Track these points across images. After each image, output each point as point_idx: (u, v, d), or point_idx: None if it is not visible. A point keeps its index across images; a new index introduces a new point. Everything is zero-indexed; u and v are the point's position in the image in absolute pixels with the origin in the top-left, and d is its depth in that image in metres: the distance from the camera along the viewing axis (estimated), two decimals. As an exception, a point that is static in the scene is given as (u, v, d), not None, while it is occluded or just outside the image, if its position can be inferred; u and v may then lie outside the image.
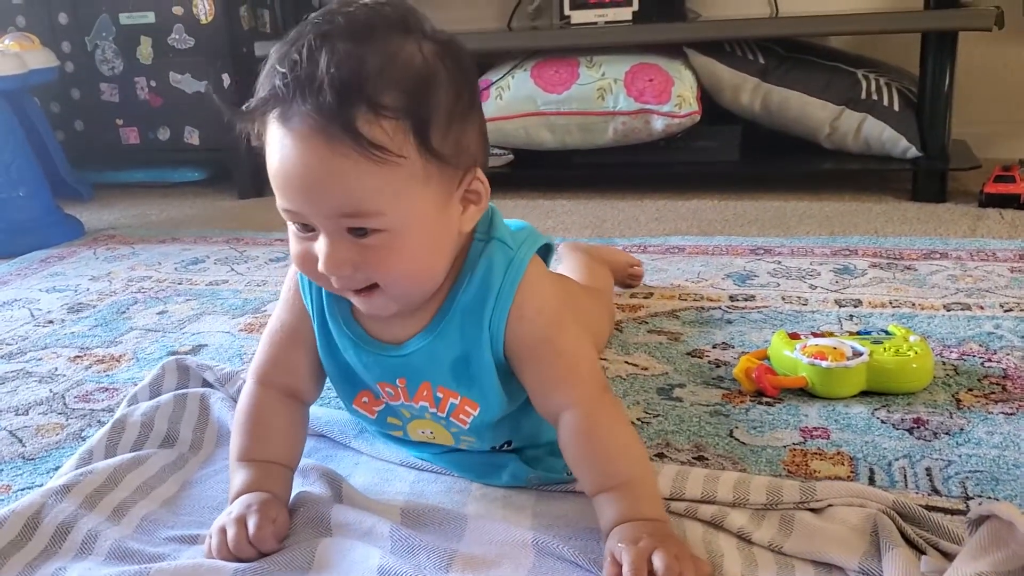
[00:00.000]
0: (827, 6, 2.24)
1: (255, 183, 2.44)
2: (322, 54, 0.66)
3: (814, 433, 0.96)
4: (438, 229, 0.74)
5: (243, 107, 0.72)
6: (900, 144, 1.96)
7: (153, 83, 2.44)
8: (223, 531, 0.78)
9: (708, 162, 2.15)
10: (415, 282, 0.75)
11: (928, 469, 0.88)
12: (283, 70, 0.67)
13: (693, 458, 0.92)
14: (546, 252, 0.89)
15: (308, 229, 0.72)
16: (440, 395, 0.82)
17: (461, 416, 0.83)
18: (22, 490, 0.94)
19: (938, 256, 1.53)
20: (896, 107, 1.98)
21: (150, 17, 2.38)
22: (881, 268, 1.49)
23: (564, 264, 1.31)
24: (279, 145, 0.69)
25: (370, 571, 0.74)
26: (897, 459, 0.90)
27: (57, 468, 0.96)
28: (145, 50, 2.42)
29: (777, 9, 2.33)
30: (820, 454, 0.92)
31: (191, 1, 2.34)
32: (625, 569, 0.69)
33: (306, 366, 0.87)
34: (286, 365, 0.87)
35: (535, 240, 0.82)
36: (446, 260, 0.77)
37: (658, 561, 0.69)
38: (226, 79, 2.37)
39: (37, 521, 0.82)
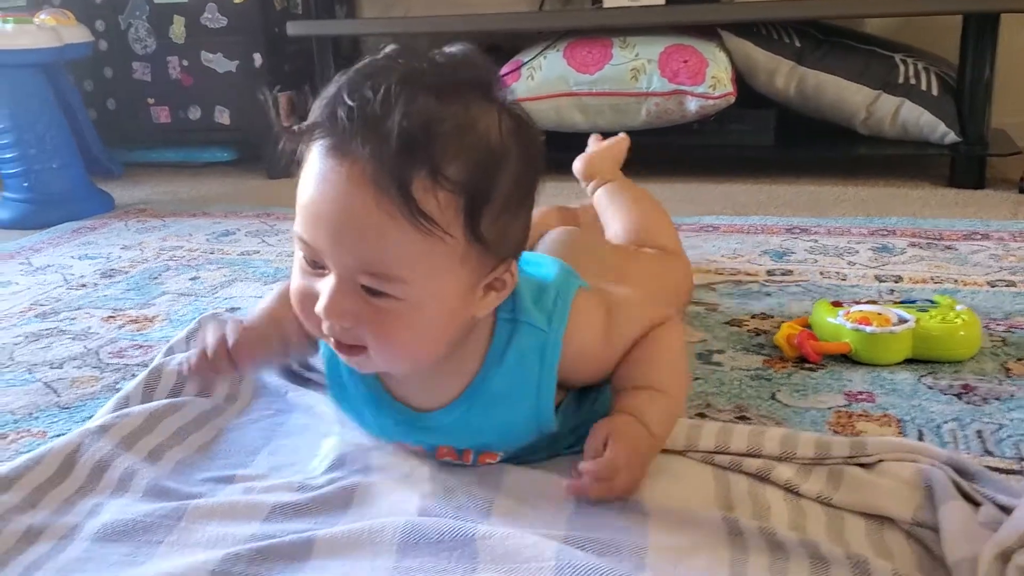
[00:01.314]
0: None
1: (285, 164, 2.42)
2: (398, 101, 0.61)
3: (859, 397, 0.94)
4: (452, 311, 0.68)
5: (295, 127, 0.67)
6: (938, 129, 1.93)
7: (185, 62, 2.44)
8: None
9: (741, 146, 2.13)
10: (408, 356, 0.70)
11: (979, 432, 0.86)
12: (351, 103, 0.62)
13: (735, 418, 0.91)
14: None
15: (318, 267, 0.67)
16: (461, 450, 0.80)
17: (487, 461, 0.81)
18: (58, 435, 0.93)
19: (979, 237, 1.51)
20: (934, 91, 1.95)
21: (184, -4, 2.39)
22: (920, 247, 1.46)
23: (615, 209, 1.24)
24: (321, 177, 0.64)
25: (409, 513, 0.72)
26: (946, 422, 0.88)
27: (91, 417, 0.95)
28: (178, 29, 2.42)
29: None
30: (866, 416, 0.90)
31: (225, -20, 2.34)
32: (599, 462, 0.72)
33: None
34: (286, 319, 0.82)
35: (566, 300, 0.76)
36: (447, 342, 0.71)
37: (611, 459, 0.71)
38: (257, 59, 2.37)
39: (74, 459, 0.81)
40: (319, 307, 0.66)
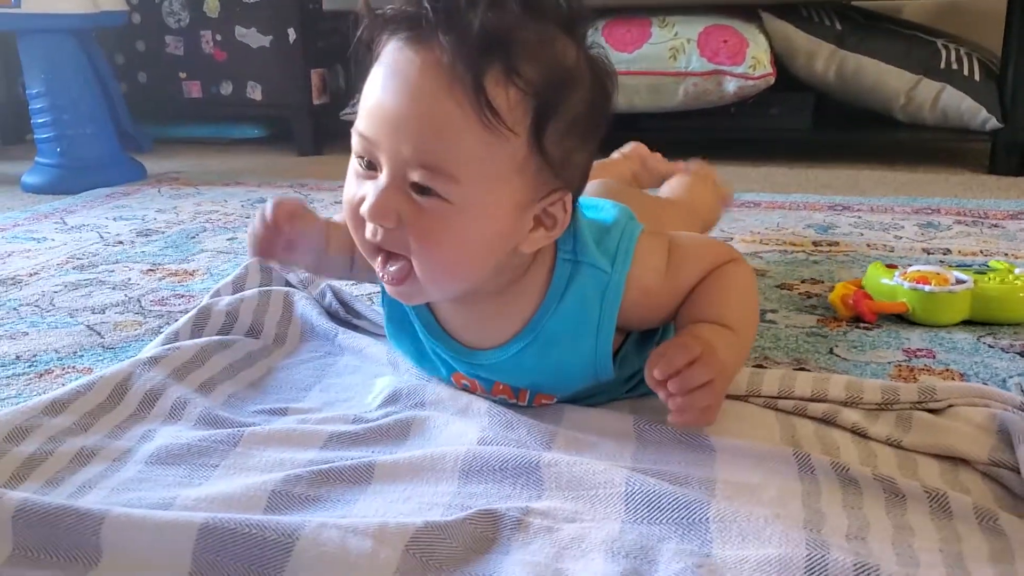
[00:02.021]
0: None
1: (316, 141, 2.43)
2: (485, 2, 0.61)
3: (918, 353, 0.92)
4: (498, 229, 0.66)
5: (378, 12, 0.65)
6: (980, 115, 1.91)
7: (218, 37, 2.43)
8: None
9: (778, 129, 2.11)
10: (449, 275, 0.67)
11: (1047, 385, 0.84)
12: None
13: (794, 369, 0.89)
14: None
15: (371, 168, 0.65)
16: (518, 388, 0.79)
17: (543, 402, 0.80)
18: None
19: (1026, 217, 1.49)
20: (977, 77, 1.93)
21: (219, -31, 2.39)
22: (966, 225, 1.44)
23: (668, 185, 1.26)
24: (393, 67, 0.63)
25: (469, 443, 0.71)
26: (1011, 376, 0.86)
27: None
28: (212, 3, 2.41)
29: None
30: (928, 371, 0.88)
31: (261, -46, 2.33)
32: (681, 350, 0.68)
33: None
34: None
35: (630, 242, 0.74)
36: (488, 267, 0.68)
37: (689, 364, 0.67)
38: (291, 34, 2.36)
39: (126, 387, 0.80)
40: (364, 207, 0.64)
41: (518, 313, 0.74)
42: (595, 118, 0.67)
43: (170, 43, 2.49)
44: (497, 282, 0.72)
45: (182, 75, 2.50)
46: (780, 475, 0.67)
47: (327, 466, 0.68)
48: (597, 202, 0.83)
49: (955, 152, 2.10)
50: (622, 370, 0.78)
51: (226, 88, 2.47)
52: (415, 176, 0.62)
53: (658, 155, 1.32)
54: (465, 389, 0.80)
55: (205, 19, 2.44)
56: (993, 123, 1.90)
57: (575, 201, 0.71)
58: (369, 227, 0.66)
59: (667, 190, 1.25)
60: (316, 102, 2.42)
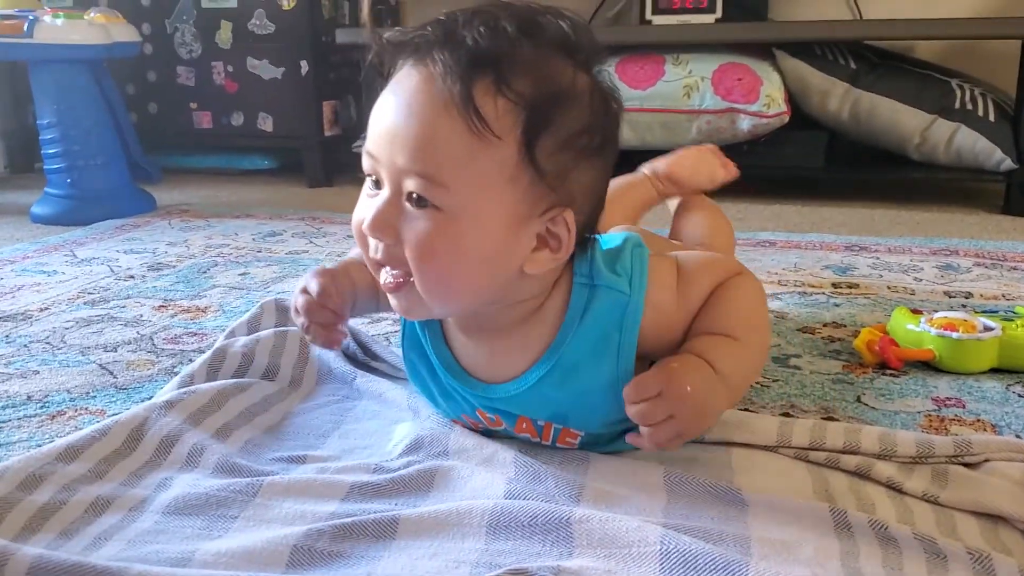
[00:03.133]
0: (920, 14, 2.20)
1: (326, 172, 2.42)
2: (482, 23, 0.64)
3: (947, 403, 0.91)
4: (494, 241, 0.65)
5: (388, 40, 0.67)
6: (995, 155, 1.90)
7: (230, 68, 2.44)
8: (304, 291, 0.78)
9: (792, 167, 2.11)
10: (445, 287, 0.66)
11: (1082, 439, 0.82)
12: (440, 18, 0.66)
13: (822, 419, 0.87)
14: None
15: (377, 187, 0.67)
16: (541, 425, 0.77)
17: (568, 440, 0.78)
18: (116, 414, 0.90)
19: (1045, 260, 1.47)
20: (991, 117, 1.92)
21: (232, 1, 2.39)
22: (986, 267, 1.43)
23: (689, 215, 1.25)
24: (395, 87, 0.66)
25: (495, 496, 0.69)
26: (1045, 429, 0.84)
27: (151, 398, 0.93)
28: (225, 34, 2.42)
29: (860, 13, 2.30)
30: (959, 421, 0.86)
31: (274, -13, 2.34)
32: (644, 411, 0.68)
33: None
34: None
35: (643, 263, 0.74)
36: (491, 285, 0.68)
37: (668, 429, 0.68)
38: (304, 66, 2.36)
39: (141, 433, 0.79)
40: (365, 223, 0.66)
41: (536, 341, 0.73)
42: (597, 140, 0.67)
43: (181, 74, 2.49)
44: (512, 313, 0.72)
45: (193, 106, 2.50)
46: (816, 532, 0.65)
47: (349, 520, 0.66)
48: (615, 236, 0.81)
49: (969, 192, 2.09)
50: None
51: (237, 119, 2.47)
52: (410, 185, 0.64)
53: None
54: (491, 424, 0.79)
55: (217, 50, 2.44)
56: (1008, 164, 1.90)
57: (591, 228, 0.71)
58: (371, 243, 0.68)
59: (687, 230, 1.22)
60: (327, 134, 2.42)
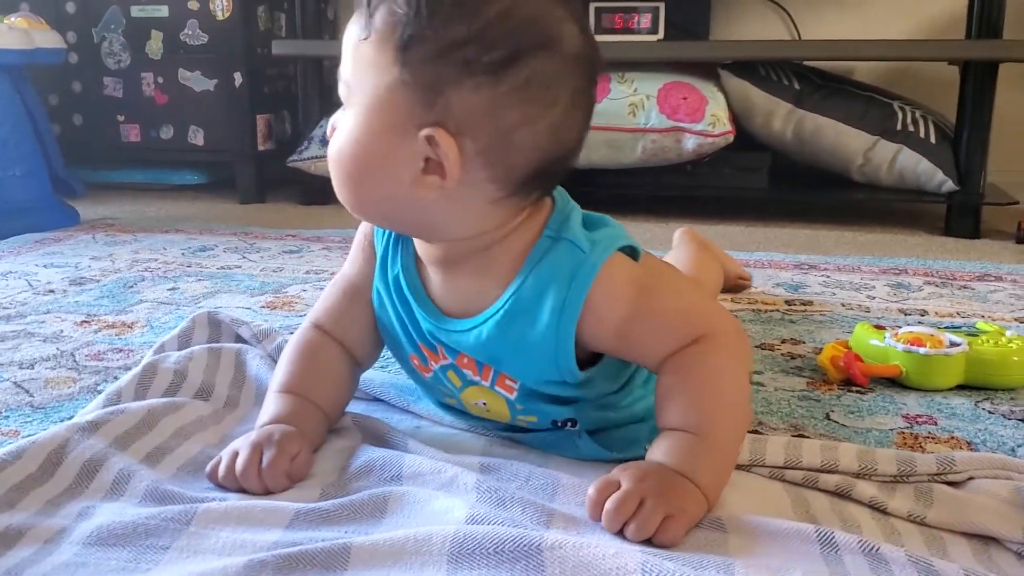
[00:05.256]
0: (858, 35, 2.22)
1: (259, 188, 2.34)
2: None
3: (919, 420, 0.88)
4: (372, 149, 0.66)
5: None
6: (936, 177, 1.91)
7: (160, 79, 2.34)
8: (235, 456, 0.71)
9: (735, 187, 2.09)
10: (340, 184, 0.69)
11: (1059, 456, 0.79)
12: None
13: (793, 436, 0.83)
14: (632, 254, 0.74)
15: None
16: (481, 363, 0.74)
17: (507, 383, 0.75)
18: (33, 435, 0.82)
19: (992, 279, 1.47)
20: (933, 139, 1.93)
21: (163, 11, 2.30)
22: (936, 286, 1.42)
23: (675, 251, 1.26)
24: None
25: (456, 522, 0.63)
26: (1020, 446, 0.81)
27: (72, 417, 0.85)
28: (155, 45, 2.33)
29: (799, 34, 2.32)
30: (933, 438, 0.83)
31: (209, -4, 2.26)
32: (611, 498, 0.63)
33: (363, 324, 0.80)
34: (343, 319, 0.81)
35: (614, 242, 0.71)
36: (379, 195, 0.67)
37: (643, 510, 0.62)
38: (238, 79, 2.28)
39: (60, 456, 0.71)
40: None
41: (494, 283, 0.71)
42: (490, 54, 0.61)
43: (109, 84, 2.39)
44: (461, 248, 0.70)
45: (120, 118, 2.40)
46: (802, 555, 0.60)
47: (295, 549, 0.59)
48: (607, 219, 0.76)
49: (912, 213, 2.10)
50: (602, 380, 0.74)
51: (167, 132, 2.37)
52: (342, 91, 0.68)
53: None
54: (433, 359, 0.77)
55: (147, 61, 2.35)
56: (949, 185, 1.91)
57: (516, 172, 0.65)
58: None
59: (672, 259, 1.21)
60: (261, 148, 2.34)
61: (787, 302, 1.31)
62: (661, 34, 2.15)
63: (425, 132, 0.63)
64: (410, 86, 0.63)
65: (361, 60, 0.65)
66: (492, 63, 0.62)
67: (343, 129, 0.67)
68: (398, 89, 0.63)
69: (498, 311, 0.70)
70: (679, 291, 0.74)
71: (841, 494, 0.70)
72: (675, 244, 1.31)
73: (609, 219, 0.75)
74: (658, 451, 0.67)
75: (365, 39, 0.64)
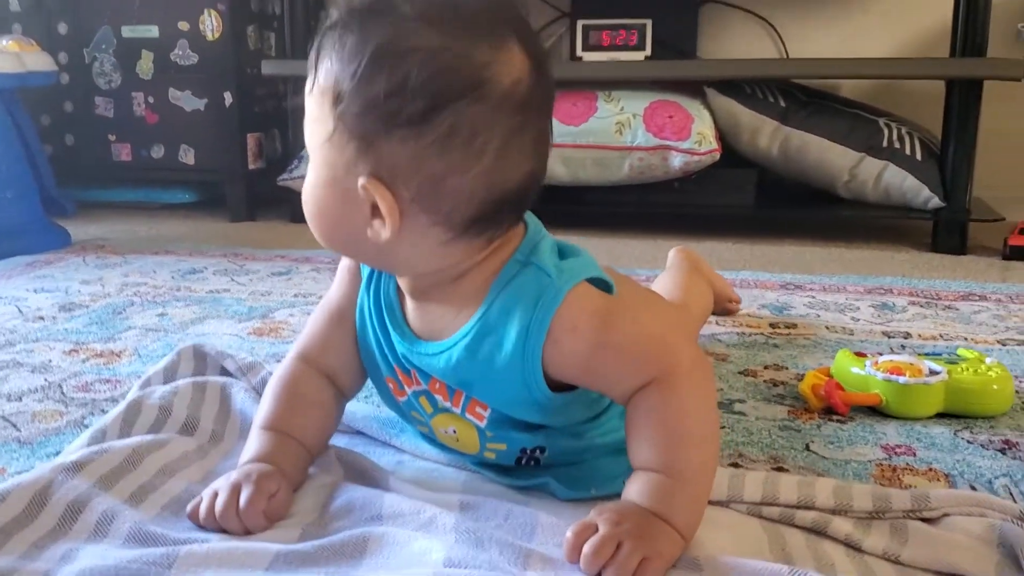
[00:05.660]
0: (845, 56, 2.24)
1: (250, 207, 2.35)
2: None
3: (898, 450, 0.88)
4: (323, 198, 0.69)
5: None
6: (922, 194, 1.92)
7: (151, 99, 2.35)
8: (215, 496, 0.72)
9: (722, 204, 2.11)
10: (307, 214, 0.71)
11: (1034, 488, 0.80)
12: None
13: (772, 469, 0.84)
14: (605, 288, 0.73)
15: None
16: (453, 389, 0.75)
17: (477, 410, 0.75)
18: (19, 472, 0.83)
19: (976, 298, 1.48)
20: (918, 156, 1.95)
21: (154, 31, 2.31)
22: (921, 306, 1.43)
23: (667, 272, 1.27)
24: None
25: (434, 564, 0.64)
26: (997, 477, 0.82)
27: (59, 453, 0.86)
28: (145, 65, 2.34)
29: (787, 52, 2.33)
30: (911, 470, 0.84)
31: (198, 17, 2.27)
32: (589, 542, 0.63)
33: (348, 350, 0.81)
34: (329, 346, 0.82)
35: (582, 271, 0.71)
36: (340, 239, 0.71)
37: (620, 553, 0.63)
38: (228, 98, 2.29)
39: (45, 498, 0.71)
40: None
41: (463, 308, 0.72)
42: (414, 105, 0.62)
43: (100, 104, 2.40)
44: (430, 280, 0.72)
45: (111, 137, 2.40)
46: (777, 598, 0.61)
47: (276, 593, 0.60)
48: (580, 250, 0.77)
49: (898, 230, 2.11)
50: (575, 406, 0.75)
51: (157, 152, 2.38)
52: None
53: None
54: (407, 384, 0.78)
55: (138, 81, 2.35)
56: (935, 202, 1.92)
57: (456, 215, 0.65)
58: None
59: (660, 285, 1.22)
60: (251, 167, 2.35)
61: (771, 325, 1.32)
62: (648, 51, 2.17)
63: (361, 181, 0.65)
64: (346, 138, 0.65)
65: (309, 113, 0.68)
66: (412, 116, 0.62)
67: (307, 176, 0.70)
68: (336, 141, 0.65)
69: (467, 334, 0.71)
70: (642, 324, 0.72)
71: (817, 531, 0.71)
72: (668, 264, 1.32)
73: (582, 250, 0.75)
74: (633, 491, 0.68)
75: (310, 93, 0.67)
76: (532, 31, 0.67)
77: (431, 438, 0.83)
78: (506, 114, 0.63)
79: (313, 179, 0.69)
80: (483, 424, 0.76)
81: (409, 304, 0.76)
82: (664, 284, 1.22)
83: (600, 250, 1.93)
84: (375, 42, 0.63)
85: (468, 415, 0.76)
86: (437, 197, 0.65)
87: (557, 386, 0.72)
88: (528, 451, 0.78)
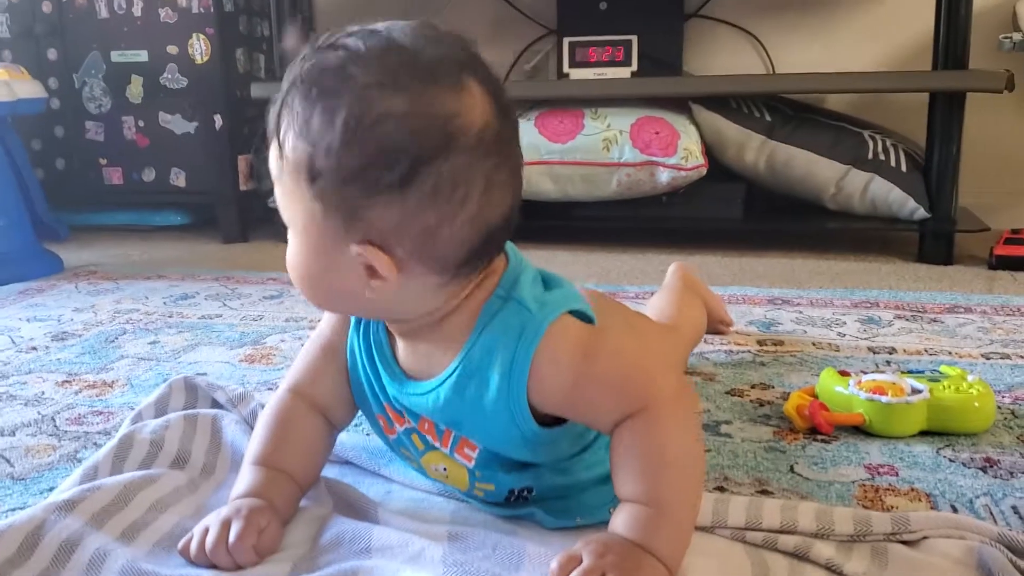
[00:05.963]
0: (830, 67, 2.26)
1: (242, 228, 2.36)
2: (319, 54, 0.65)
3: (880, 470, 0.90)
4: (312, 267, 0.69)
5: None
6: (908, 205, 1.94)
7: (141, 123, 2.37)
8: (206, 532, 0.73)
9: (711, 218, 2.12)
10: (295, 280, 0.72)
11: (1015, 507, 0.81)
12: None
13: (757, 492, 0.85)
14: (584, 318, 0.74)
15: None
16: (442, 429, 0.76)
17: (466, 451, 0.76)
18: (13, 510, 0.84)
19: (962, 310, 1.49)
20: (904, 168, 1.96)
21: (143, 56, 2.32)
22: (907, 320, 1.45)
23: (662, 291, 1.27)
24: None
25: (424, 598, 0.65)
26: (978, 496, 0.84)
27: (52, 489, 0.87)
28: (135, 89, 2.35)
29: (773, 67, 2.35)
30: (893, 490, 0.85)
31: (187, 41, 2.28)
32: (574, 573, 0.64)
33: (339, 383, 0.82)
34: (319, 378, 0.83)
35: (564, 303, 0.72)
36: (334, 300, 0.72)
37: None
38: (218, 121, 2.31)
39: (38, 537, 0.72)
40: None
41: (449, 346, 0.72)
42: (391, 172, 0.62)
43: (90, 129, 2.41)
44: (418, 323, 0.72)
45: (102, 161, 2.42)
46: (759, 626, 0.63)
47: (266, 632, 0.61)
48: (562, 280, 0.78)
49: (885, 241, 2.13)
50: (563, 442, 0.76)
51: (148, 175, 2.39)
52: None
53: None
54: (398, 422, 0.78)
55: (128, 105, 2.37)
56: (921, 213, 1.94)
57: (452, 263, 0.67)
58: None
59: (651, 308, 1.22)
60: (242, 188, 2.36)
61: (759, 342, 1.33)
62: (635, 66, 2.19)
63: (354, 249, 0.65)
64: (329, 211, 0.65)
65: (283, 188, 0.68)
66: (393, 182, 0.63)
67: (290, 244, 0.70)
68: (319, 215, 0.65)
69: (452, 373, 0.72)
70: (624, 355, 0.72)
71: (799, 556, 0.72)
72: (665, 282, 1.31)
73: (565, 281, 0.76)
74: (618, 523, 0.69)
75: (278, 168, 0.67)
76: (486, 66, 0.67)
77: (421, 471, 0.84)
78: (481, 159, 0.64)
79: (297, 248, 0.69)
80: (471, 465, 0.77)
81: (399, 343, 0.77)
82: (658, 304, 1.23)
83: (589, 265, 1.95)
84: (342, 116, 0.62)
85: (457, 455, 0.77)
86: (431, 247, 0.66)
87: (545, 420, 0.73)
88: (516, 491, 0.79)
